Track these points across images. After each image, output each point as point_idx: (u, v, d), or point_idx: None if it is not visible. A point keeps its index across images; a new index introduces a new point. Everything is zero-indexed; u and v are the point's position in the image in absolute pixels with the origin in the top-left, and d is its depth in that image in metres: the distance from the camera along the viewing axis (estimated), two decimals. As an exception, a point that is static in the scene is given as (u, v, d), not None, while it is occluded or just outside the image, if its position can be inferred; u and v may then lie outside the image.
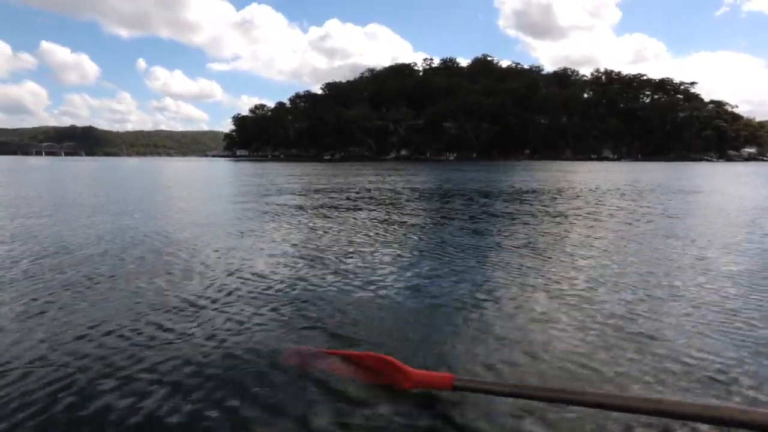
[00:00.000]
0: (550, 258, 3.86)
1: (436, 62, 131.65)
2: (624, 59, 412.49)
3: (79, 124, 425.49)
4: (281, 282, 3.09)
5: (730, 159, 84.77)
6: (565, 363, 1.95)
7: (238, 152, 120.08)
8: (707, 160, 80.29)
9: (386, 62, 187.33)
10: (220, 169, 29.45)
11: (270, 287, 2.99)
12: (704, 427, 1.47)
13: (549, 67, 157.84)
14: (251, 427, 1.53)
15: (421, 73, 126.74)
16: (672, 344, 2.13)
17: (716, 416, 1.23)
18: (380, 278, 3.22)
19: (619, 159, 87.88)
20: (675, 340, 2.19)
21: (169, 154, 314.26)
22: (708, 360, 1.99)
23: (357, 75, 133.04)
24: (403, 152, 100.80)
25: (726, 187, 13.99)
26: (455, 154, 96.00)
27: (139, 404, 1.65)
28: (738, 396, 1.73)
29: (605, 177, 19.94)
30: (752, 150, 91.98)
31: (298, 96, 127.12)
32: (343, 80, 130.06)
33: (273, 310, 2.58)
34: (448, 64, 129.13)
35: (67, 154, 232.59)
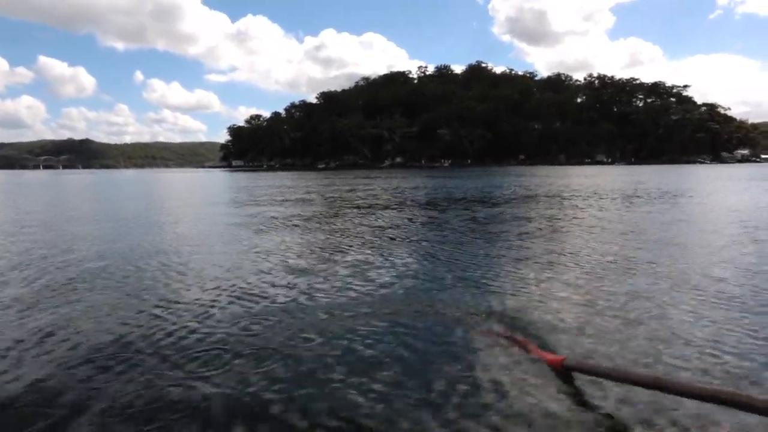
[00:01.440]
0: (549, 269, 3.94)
1: (431, 70, 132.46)
2: (619, 63, 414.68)
3: (77, 137, 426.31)
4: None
5: (723, 161, 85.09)
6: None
7: (234, 163, 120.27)
8: (700, 163, 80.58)
9: (382, 71, 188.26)
10: (206, 181, 29.51)
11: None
12: None
13: (544, 73, 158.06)
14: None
15: (415, 81, 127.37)
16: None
17: None
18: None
19: (612, 163, 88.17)
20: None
21: (167, 166, 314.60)
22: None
23: (353, 84, 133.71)
24: (398, 160, 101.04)
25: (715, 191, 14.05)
26: (449, 161, 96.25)
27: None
28: None
29: (596, 182, 20.02)
30: (745, 151, 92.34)
31: (293, 106, 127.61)
32: (340, 89, 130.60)
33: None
34: (443, 72, 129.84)
35: (64, 167, 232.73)
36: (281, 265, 4.19)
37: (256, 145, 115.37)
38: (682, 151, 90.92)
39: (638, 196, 10.86)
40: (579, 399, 1.86)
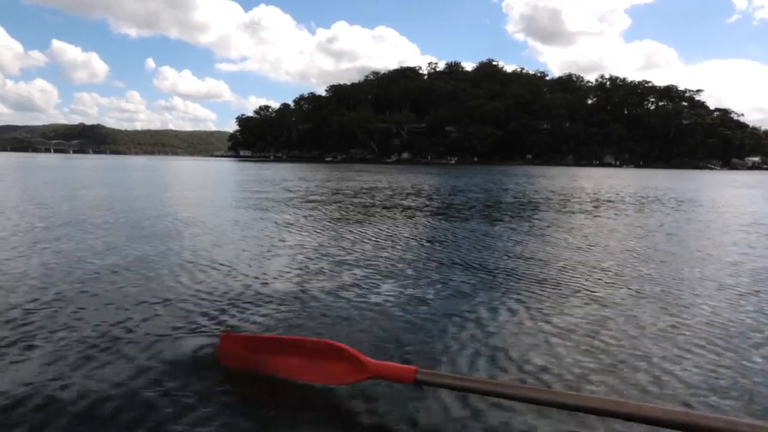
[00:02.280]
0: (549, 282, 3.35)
1: (441, 66, 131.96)
2: (634, 66, 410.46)
3: (88, 122, 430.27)
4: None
5: (733, 167, 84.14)
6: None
7: (242, 153, 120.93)
8: (709, 168, 79.74)
9: (394, 65, 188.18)
10: (214, 170, 29.84)
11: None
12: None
13: (556, 73, 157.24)
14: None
15: (425, 77, 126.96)
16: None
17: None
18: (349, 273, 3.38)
19: (620, 165, 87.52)
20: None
21: (176, 154, 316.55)
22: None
23: (363, 78, 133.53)
24: (405, 155, 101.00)
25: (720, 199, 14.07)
26: (456, 158, 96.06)
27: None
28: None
29: (594, 186, 20.01)
30: (756, 159, 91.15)
31: (302, 98, 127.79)
32: (351, 83, 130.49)
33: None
34: (453, 68, 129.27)
35: (75, 152, 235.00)
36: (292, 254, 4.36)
37: (265, 136, 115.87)
38: (692, 155, 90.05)
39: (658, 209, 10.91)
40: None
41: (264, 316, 2.45)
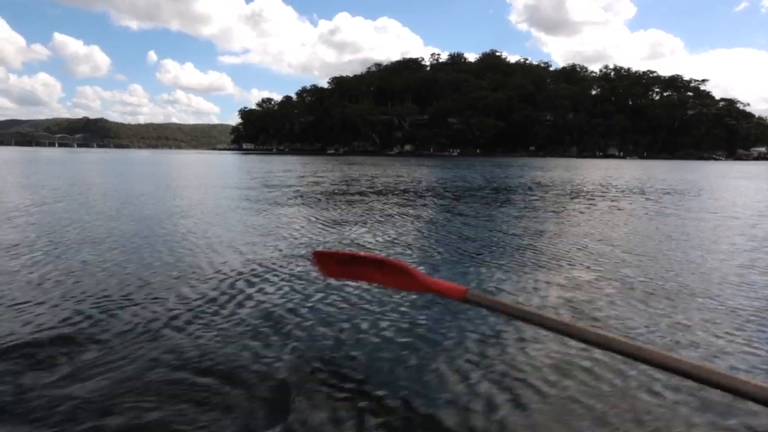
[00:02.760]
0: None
1: (444, 57, 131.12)
2: (639, 55, 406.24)
3: (92, 116, 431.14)
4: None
5: (738, 158, 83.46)
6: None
7: (245, 146, 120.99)
8: (714, 159, 79.16)
9: (396, 56, 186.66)
10: (216, 163, 29.94)
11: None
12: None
13: (561, 63, 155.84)
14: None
15: (428, 68, 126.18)
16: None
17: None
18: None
19: (624, 157, 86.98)
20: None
21: (179, 147, 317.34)
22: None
23: (366, 69, 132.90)
24: (407, 147, 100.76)
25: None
26: (458, 150, 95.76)
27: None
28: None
29: (585, 178, 19.96)
30: (762, 149, 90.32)
31: (304, 90, 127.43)
32: (353, 74, 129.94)
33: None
34: (456, 59, 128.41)
35: (79, 145, 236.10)
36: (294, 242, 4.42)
37: (267, 129, 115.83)
38: (697, 146, 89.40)
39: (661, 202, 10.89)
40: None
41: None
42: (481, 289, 2.23)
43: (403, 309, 2.31)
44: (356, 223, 5.20)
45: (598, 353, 1.74)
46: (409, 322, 2.16)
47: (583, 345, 1.57)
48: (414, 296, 2.40)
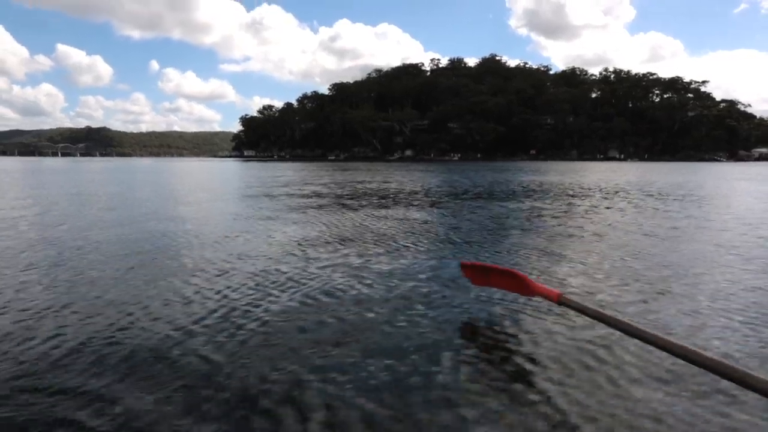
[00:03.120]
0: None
1: (444, 62, 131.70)
2: (639, 58, 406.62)
3: (94, 125, 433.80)
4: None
5: (740, 159, 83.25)
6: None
7: (246, 153, 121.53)
8: (715, 160, 79.02)
9: (396, 62, 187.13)
10: (214, 170, 30.09)
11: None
12: None
13: (561, 67, 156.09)
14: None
15: (428, 73, 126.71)
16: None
17: None
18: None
19: (625, 159, 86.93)
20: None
21: (181, 155, 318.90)
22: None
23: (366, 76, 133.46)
24: (408, 152, 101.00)
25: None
26: (459, 155, 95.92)
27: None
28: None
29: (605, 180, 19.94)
30: (764, 150, 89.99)
31: (305, 97, 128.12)
32: (354, 81, 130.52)
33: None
34: (456, 64, 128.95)
35: (82, 154, 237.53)
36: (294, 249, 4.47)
37: (268, 136, 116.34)
38: (698, 148, 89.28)
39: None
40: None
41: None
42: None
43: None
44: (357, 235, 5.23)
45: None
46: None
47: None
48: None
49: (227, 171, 27.19)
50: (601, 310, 1.86)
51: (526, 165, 44.54)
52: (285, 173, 22.79)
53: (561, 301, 1.99)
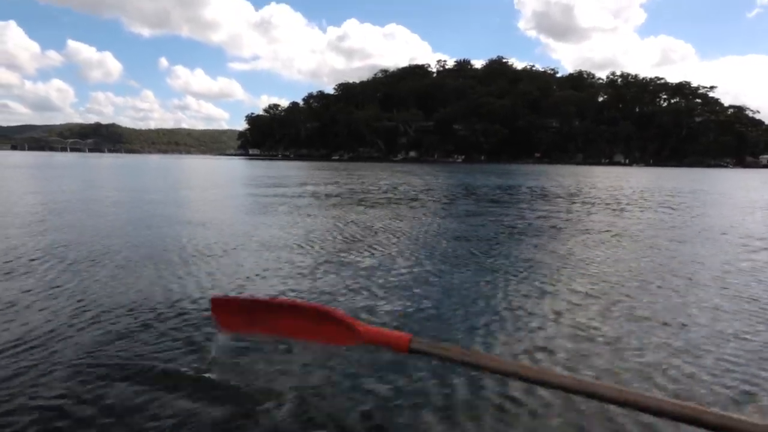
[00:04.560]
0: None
1: (450, 64, 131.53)
2: (649, 62, 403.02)
3: (104, 121, 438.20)
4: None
5: (747, 165, 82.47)
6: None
7: (251, 151, 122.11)
8: (722, 166, 78.31)
9: (404, 63, 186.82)
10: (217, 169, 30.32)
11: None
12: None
13: (570, 70, 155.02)
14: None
15: (434, 75, 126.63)
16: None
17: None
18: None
19: (630, 164, 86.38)
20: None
21: (189, 152, 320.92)
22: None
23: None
24: (412, 154, 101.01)
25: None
26: (463, 157, 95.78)
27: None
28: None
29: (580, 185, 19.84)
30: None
31: (311, 96, 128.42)
32: (360, 81, 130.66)
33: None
34: (462, 66, 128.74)
35: (90, 150, 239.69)
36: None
37: (273, 135, 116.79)
38: (705, 153, 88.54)
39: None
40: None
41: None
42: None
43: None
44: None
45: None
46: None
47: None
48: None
49: (235, 170, 27.35)
50: (463, 351, 1.44)
51: (531, 169, 44.29)
52: (281, 172, 22.93)
53: (412, 347, 1.41)
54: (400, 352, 1.42)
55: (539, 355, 1.99)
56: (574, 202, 9.70)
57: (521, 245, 4.68)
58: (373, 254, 4.01)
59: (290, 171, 25.25)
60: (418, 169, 35.57)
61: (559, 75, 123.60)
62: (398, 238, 4.92)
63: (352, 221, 6.08)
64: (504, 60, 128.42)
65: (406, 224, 5.93)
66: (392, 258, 3.86)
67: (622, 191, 13.59)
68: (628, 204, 9.53)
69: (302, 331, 1.59)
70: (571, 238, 5.17)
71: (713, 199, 11.90)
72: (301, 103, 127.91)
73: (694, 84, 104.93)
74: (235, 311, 1.70)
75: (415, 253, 4.13)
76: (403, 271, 3.44)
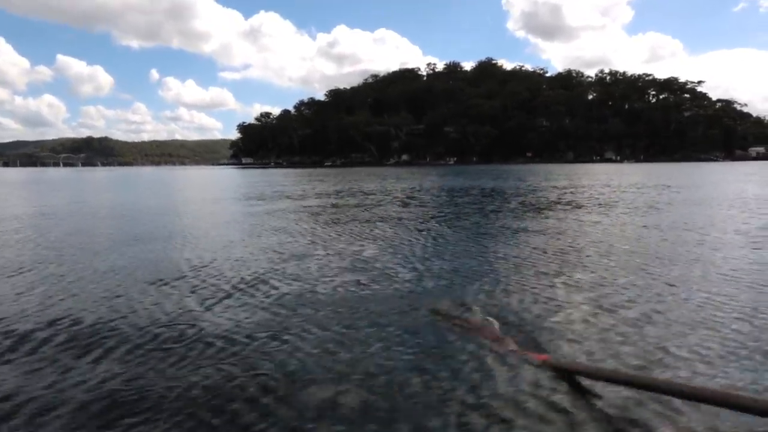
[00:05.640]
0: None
1: (440, 67, 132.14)
2: (638, 59, 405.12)
3: (96, 135, 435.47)
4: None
5: (737, 158, 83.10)
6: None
7: (244, 160, 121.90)
8: (712, 160, 78.89)
9: (395, 67, 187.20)
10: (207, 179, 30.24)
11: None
12: None
13: (560, 69, 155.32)
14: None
15: (424, 78, 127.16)
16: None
17: None
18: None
19: (621, 161, 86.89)
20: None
21: (183, 163, 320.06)
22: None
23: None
24: (404, 157, 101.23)
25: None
26: (455, 159, 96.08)
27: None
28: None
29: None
30: (761, 149, 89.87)
31: (302, 103, 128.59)
32: (351, 86, 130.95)
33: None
34: (452, 69, 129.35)
35: (83, 164, 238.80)
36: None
37: (266, 143, 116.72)
38: (694, 148, 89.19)
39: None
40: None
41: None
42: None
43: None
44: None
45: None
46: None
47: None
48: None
49: (226, 180, 27.29)
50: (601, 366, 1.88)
51: (520, 169, 44.42)
52: (267, 179, 22.93)
53: (551, 364, 1.94)
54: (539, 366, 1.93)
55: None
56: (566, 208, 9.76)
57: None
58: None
59: (277, 179, 25.24)
60: (407, 174, 35.66)
61: (548, 75, 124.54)
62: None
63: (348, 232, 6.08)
64: (493, 61, 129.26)
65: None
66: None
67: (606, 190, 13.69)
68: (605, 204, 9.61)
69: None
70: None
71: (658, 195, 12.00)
72: (292, 110, 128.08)
73: (682, 79, 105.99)
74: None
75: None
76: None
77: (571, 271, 3.84)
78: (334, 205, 9.87)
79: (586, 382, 1.82)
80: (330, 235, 5.77)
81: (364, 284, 3.46)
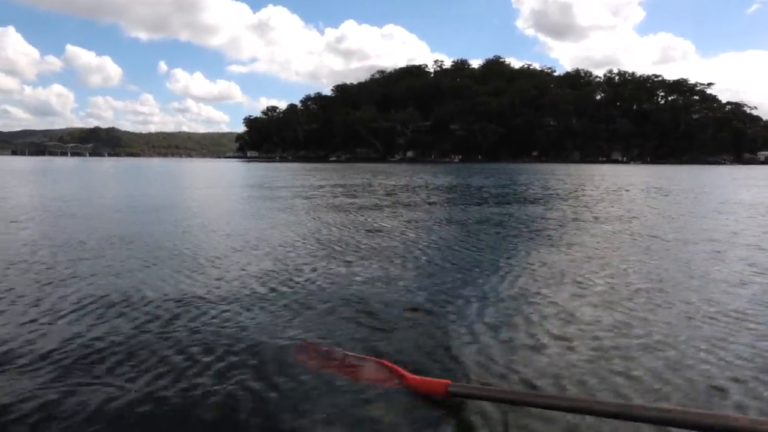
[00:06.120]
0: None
1: (448, 64, 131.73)
2: (649, 60, 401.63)
3: (104, 125, 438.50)
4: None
5: (745, 162, 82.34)
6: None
7: (249, 154, 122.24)
8: (720, 163, 78.21)
9: (403, 63, 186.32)
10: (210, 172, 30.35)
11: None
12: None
13: (569, 69, 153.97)
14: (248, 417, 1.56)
15: (431, 75, 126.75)
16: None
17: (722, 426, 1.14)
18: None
19: (628, 162, 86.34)
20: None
21: (189, 155, 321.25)
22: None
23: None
24: (410, 154, 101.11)
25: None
26: (460, 156, 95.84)
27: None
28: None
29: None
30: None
31: (309, 98, 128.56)
32: (357, 82, 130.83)
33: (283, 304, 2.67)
34: (459, 66, 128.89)
35: (91, 154, 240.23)
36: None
37: (271, 137, 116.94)
38: (702, 150, 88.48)
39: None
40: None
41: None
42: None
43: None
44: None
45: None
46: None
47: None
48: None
49: (233, 173, 27.38)
50: (502, 388, 1.60)
51: (525, 168, 44.16)
52: (262, 173, 22.99)
53: (450, 391, 1.58)
54: (440, 396, 1.60)
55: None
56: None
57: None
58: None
59: (278, 173, 25.29)
60: (408, 171, 35.61)
61: (556, 74, 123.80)
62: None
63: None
64: (501, 59, 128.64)
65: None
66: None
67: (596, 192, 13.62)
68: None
69: (359, 376, 1.83)
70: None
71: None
72: (298, 104, 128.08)
73: (692, 81, 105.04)
74: (315, 356, 2.02)
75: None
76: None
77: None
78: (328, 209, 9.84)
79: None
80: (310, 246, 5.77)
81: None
